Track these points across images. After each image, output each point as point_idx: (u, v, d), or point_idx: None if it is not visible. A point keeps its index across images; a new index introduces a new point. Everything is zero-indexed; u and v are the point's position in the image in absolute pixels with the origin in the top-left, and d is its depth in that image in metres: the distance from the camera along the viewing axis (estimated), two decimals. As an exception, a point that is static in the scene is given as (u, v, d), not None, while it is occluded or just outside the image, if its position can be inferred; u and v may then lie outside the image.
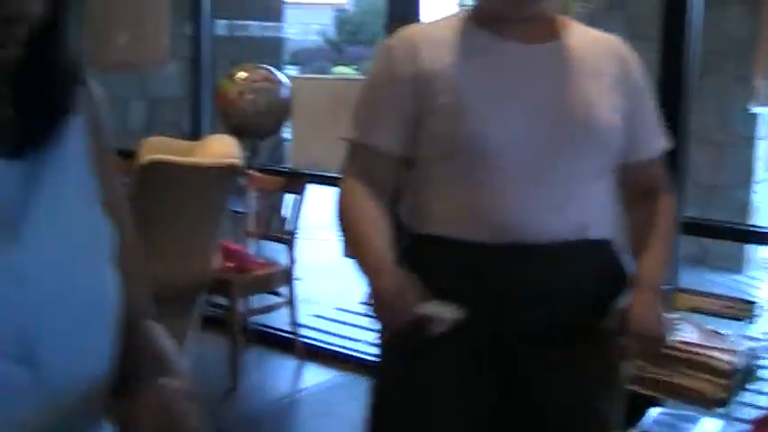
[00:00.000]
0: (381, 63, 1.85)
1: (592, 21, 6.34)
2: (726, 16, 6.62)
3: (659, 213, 1.90)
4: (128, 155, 4.56)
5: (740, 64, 5.92)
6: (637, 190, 1.90)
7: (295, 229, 4.52)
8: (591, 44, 1.84)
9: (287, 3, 8.73)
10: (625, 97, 1.79)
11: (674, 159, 3.52)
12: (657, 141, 1.93)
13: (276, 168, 5.41)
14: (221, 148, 3.55)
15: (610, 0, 7.04)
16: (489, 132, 1.66)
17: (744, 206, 6.79)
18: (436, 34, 1.80)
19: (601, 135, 1.74)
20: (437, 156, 1.75)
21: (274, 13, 7.79)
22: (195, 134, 5.13)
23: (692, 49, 3.52)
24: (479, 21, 1.79)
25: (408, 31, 1.87)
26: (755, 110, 3.53)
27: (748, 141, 6.72)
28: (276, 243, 4.66)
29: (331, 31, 18.09)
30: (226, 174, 3.47)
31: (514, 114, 1.69)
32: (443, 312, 1.67)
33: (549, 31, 1.80)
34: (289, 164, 7.46)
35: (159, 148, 3.80)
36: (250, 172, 4.44)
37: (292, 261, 4.52)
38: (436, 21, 1.88)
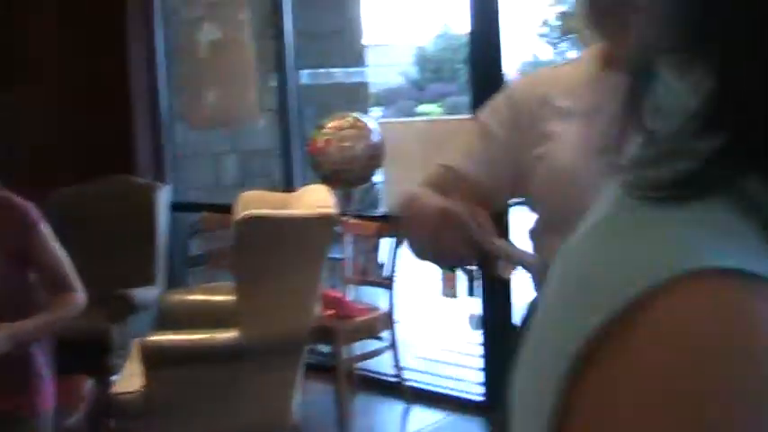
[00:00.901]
0: None
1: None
2: None
3: None
4: (224, 209, 4.66)
5: None
6: None
7: (393, 272, 4.51)
8: None
9: (367, 45, 8.82)
10: None
11: None
12: None
13: (371, 214, 5.44)
14: (316, 199, 3.58)
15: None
16: None
17: None
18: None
19: None
20: None
21: (356, 57, 7.87)
22: (288, 184, 5.20)
23: None
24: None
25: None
26: None
27: None
28: (375, 287, 4.66)
29: (413, 70, 18.22)
30: (322, 224, 3.50)
31: None
32: (520, 254, 1.53)
33: None
34: (383, 208, 7.49)
35: (255, 203, 3.86)
36: (345, 219, 4.46)
37: (392, 305, 4.52)
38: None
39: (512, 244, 1.57)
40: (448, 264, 1.64)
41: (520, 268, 1.53)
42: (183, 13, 5.85)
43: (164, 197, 5.25)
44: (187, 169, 6.91)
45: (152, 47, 5.95)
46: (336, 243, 4.53)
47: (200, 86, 5.55)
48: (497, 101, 1.67)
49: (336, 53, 7.58)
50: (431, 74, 16.64)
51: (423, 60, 17.88)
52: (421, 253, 1.58)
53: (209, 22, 5.59)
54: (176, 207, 5.89)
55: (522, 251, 1.54)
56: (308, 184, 4.98)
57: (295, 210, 3.61)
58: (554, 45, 17.50)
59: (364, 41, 8.32)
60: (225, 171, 7.27)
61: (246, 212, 3.41)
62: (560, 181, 1.49)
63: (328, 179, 4.62)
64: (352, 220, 4.64)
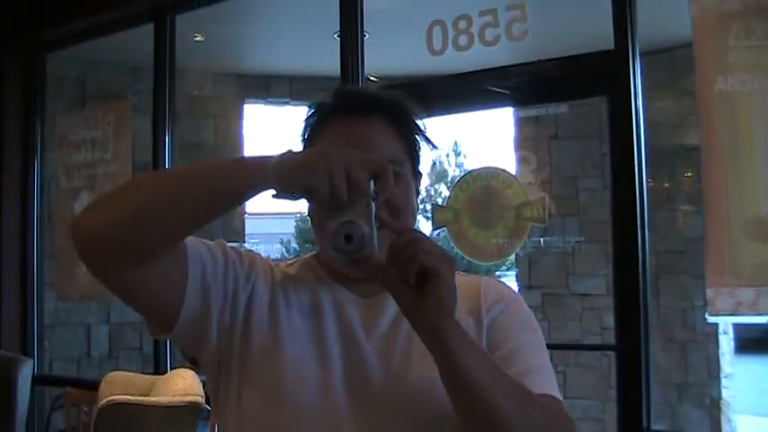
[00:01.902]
0: None
1: (546, 229, 6.49)
2: (674, 217, 6.85)
3: None
4: (90, 385, 4.52)
5: (696, 262, 6.07)
6: None
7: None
8: None
9: (249, 214, 8.88)
10: None
11: (637, 360, 3.60)
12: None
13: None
14: (183, 385, 3.51)
15: (563, 207, 7.26)
16: None
17: (715, 402, 6.77)
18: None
19: None
20: None
21: (235, 230, 7.92)
22: (158, 358, 5.08)
23: (645, 248, 3.62)
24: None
25: None
26: (711, 320, 3.57)
27: (711, 337, 6.78)
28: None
29: (294, 241, 18.37)
30: (187, 411, 3.42)
31: None
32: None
33: None
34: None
35: (120, 385, 3.76)
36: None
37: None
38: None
39: None
40: None
41: None
42: (62, 183, 5.81)
43: (26, 371, 5.06)
44: (57, 339, 6.71)
45: (26, 215, 5.87)
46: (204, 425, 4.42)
47: (74, 258, 5.45)
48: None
49: (216, 226, 7.62)
50: (311, 245, 16.80)
51: (303, 232, 18.06)
52: None
53: (88, 193, 5.56)
54: (40, 380, 5.69)
55: None
56: (177, 358, 4.90)
57: (161, 396, 3.52)
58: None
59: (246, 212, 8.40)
60: (96, 342, 7.09)
61: (110, 398, 3.31)
62: None
63: (192, 360, 4.53)
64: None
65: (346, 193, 1.20)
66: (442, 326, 1.21)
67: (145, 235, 1.23)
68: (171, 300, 1.32)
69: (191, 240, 1.34)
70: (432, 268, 1.19)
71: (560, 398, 1.36)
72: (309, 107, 1.48)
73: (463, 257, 4.20)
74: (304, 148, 1.45)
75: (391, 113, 1.44)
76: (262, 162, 1.22)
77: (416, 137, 1.47)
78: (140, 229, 1.22)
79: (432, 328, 1.21)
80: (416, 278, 1.20)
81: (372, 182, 1.23)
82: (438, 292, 1.20)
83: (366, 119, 1.41)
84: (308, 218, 1.45)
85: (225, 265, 1.39)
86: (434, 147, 1.50)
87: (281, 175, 1.20)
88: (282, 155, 1.23)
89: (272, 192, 1.23)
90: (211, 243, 1.41)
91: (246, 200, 1.27)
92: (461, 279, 1.28)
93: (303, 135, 1.46)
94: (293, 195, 1.24)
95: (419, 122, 1.48)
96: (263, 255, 1.52)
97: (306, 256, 1.55)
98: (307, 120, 1.48)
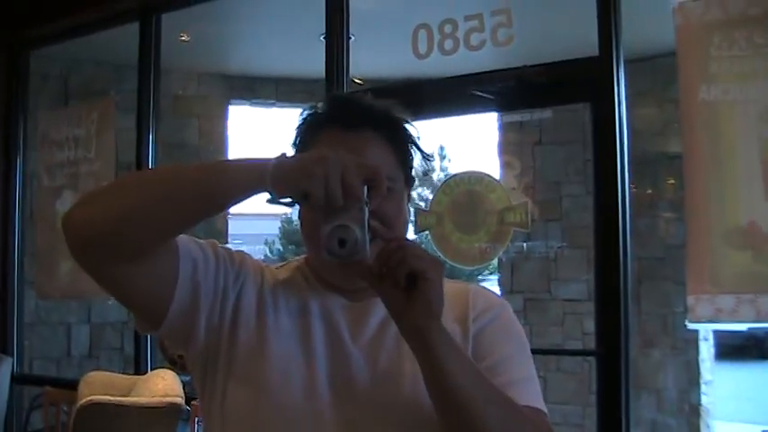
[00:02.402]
0: None
1: (529, 234, 6.49)
2: (656, 223, 6.89)
3: None
4: (69, 385, 4.50)
5: (677, 269, 6.10)
6: None
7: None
8: None
9: (232, 215, 8.84)
10: None
11: (618, 366, 3.61)
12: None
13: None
14: (162, 386, 3.50)
15: (546, 212, 7.29)
16: None
17: (695, 408, 6.80)
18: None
19: None
20: None
21: (218, 231, 7.89)
22: (138, 358, 5.05)
23: (627, 254, 3.64)
24: None
25: None
26: (691, 326, 3.59)
27: (692, 344, 6.81)
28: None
29: (278, 242, 18.33)
30: (167, 412, 3.41)
31: None
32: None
33: None
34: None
35: (100, 385, 3.74)
36: (194, 403, 4.35)
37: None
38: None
39: None
40: None
41: None
42: (44, 181, 5.78)
43: (5, 369, 5.03)
44: (37, 338, 6.68)
45: (7, 213, 5.84)
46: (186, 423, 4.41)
47: (54, 256, 5.42)
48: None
49: (198, 227, 7.58)
50: (296, 247, 16.76)
51: (288, 233, 18.03)
52: None
53: (70, 192, 5.53)
54: (19, 379, 5.66)
55: None
56: (158, 359, 4.88)
57: (141, 396, 3.51)
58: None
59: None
60: (76, 342, 7.06)
61: (89, 398, 3.30)
62: None
63: (173, 361, 4.52)
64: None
65: (342, 198, 1.21)
66: (429, 329, 1.22)
67: (136, 233, 1.23)
68: (161, 296, 1.33)
69: (182, 238, 1.34)
70: (421, 271, 1.21)
71: (545, 410, 1.37)
72: (302, 113, 1.48)
73: (446, 261, 4.20)
74: (295, 153, 1.44)
75: (385, 127, 1.44)
76: (259, 165, 1.23)
77: (410, 147, 1.48)
78: (132, 228, 1.23)
79: (418, 331, 1.23)
80: (406, 281, 1.22)
81: (366, 187, 1.24)
82: (426, 295, 1.22)
83: (360, 132, 1.42)
84: (299, 221, 1.45)
85: (216, 263, 1.39)
86: (429, 159, 1.51)
87: (279, 178, 1.21)
88: (279, 159, 1.24)
89: (267, 196, 1.23)
90: (203, 242, 1.41)
91: (240, 202, 1.27)
92: (448, 286, 1.29)
93: (295, 141, 1.46)
94: (287, 200, 1.24)
95: (413, 131, 1.49)
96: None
97: (296, 259, 1.56)
98: (299, 126, 1.47)
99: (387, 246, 1.25)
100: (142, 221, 1.23)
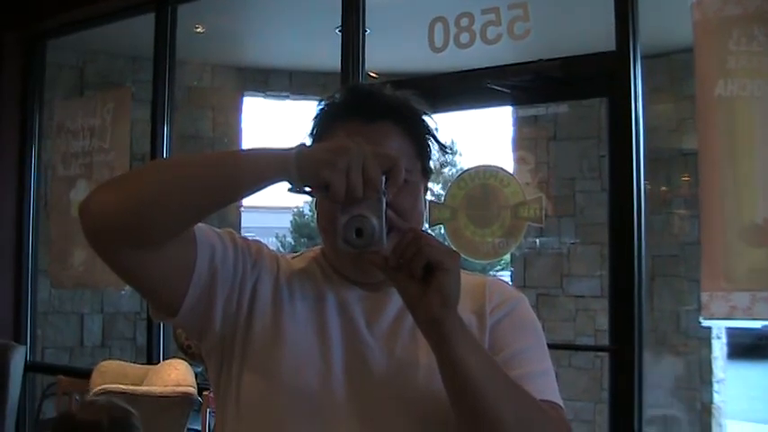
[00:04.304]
0: None
1: (542, 229, 6.48)
2: (670, 220, 6.86)
3: None
4: (82, 374, 4.52)
5: (691, 266, 6.07)
6: None
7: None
8: None
9: (245, 208, 8.86)
10: None
11: (630, 363, 3.60)
12: None
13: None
14: (175, 376, 3.51)
15: (560, 208, 7.27)
16: None
17: (707, 406, 6.78)
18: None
19: None
20: None
21: (231, 223, 7.91)
22: (150, 349, 5.07)
23: (641, 251, 3.63)
24: None
25: None
26: (705, 323, 3.58)
27: (704, 342, 6.78)
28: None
29: (290, 235, 18.33)
30: (179, 402, 3.41)
31: None
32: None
33: None
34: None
35: (113, 374, 3.75)
36: (206, 393, 4.37)
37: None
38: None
39: None
40: None
41: None
42: (59, 170, 5.80)
43: (18, 358, 5.05)
44: (50, 327, 6.71)
45: (22, 202, 5.86)
46: (196, 416, 4.42)
47: (68, 246, 5.44)
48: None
49: (212, 219, 7.60)
50: (307, 240, 16.78)
51: (299, 226, 18.04)
52: None
53: (85, 181, 5.54)
54: (32, 368, 5.69)
55: None
56: (171, 348, 4.89)
57: (153, 386, 3.52)
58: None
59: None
60: (89, 331, 7.09)
61: (101, 387, 3.31)
62: None
63: (185, 350, 4.53)
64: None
65: (362, 189, 1.21)
66: (444, 320, 1.21)
67: (155, 220, 1.22)
68: (177, 284, 1.32)
69: (200, 226, 1.34)
70: (438, 261, 1.20)
71: (561, 404, 1.36)
72: (319, 103, 1.47)
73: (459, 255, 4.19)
74: (312, 144, 1.43)
75: (404, 118, 1.44)
76: (281, 154, 1.22)
77: (427, 139, 1.47)
78: (150, 215, 1.21)
79: (434, 321, 1.22)
80: (422, 272, 1.21)
81: (384, 177, 1.24)
82: (443, 286, 1.21)
83: (378, 124, 1.41)
84: (315, 211, 1.45)
85: (234, 252, 1.39)
86: (447, 151, 1.51)
87: (301, 168, 1.21)
88: (300, 148, 1.24)
89: (287, 185, 1.23)
90: (220, 230, 1.41)
91: (259, 191, 1.26)
92: (465, 278, 1.28)
93: (312, 131, 1.46)
94: (308, 189, 1.24)
95: (430, 123, 1.48)
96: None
97: (312, 249, 1.55)
98: (316, 117, 1.47)
99: (403, 237, 1.24)
100: (161, 209, 1.22)
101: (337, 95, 1.46)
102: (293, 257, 1.53)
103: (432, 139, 1.47)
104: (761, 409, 8.97)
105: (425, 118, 1.47)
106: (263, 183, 1.24)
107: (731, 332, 7.26)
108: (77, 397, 4.37)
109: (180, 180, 1.24)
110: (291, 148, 1.23)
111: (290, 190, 1.23)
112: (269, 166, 1.23)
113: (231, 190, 1.26)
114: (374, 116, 1.41)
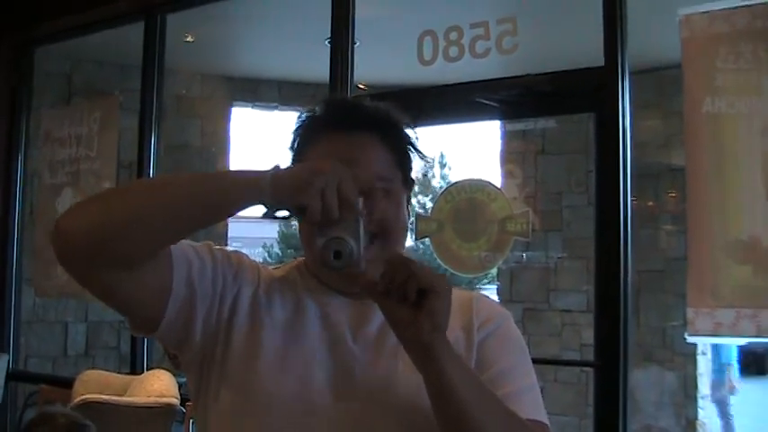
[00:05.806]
0: None
1: (529, 243, 6.48)
2: (657, 236, 6.88)
3: None
4: (64, 383, 4.48)
5: (677, 282, 6.08)
6: None
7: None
8: None
9: (231, 218, 8.82)
10: None
11: (615, 378, 3.59)
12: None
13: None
14: (158, 386, 3.49)
15: (547, 222, 7.28)
16: None
17: (691, 422, 6.79)
18: None
19: None
20: None
21: (218, 234, 7.88)
22: (134, 357, 5.04)
23: (627, 266, 3.63)
24: None
25: None
26: (691, 339, 3.58)
27: (690, 358, 6.80)
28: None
29: (277, 246, 18.31)
30: (162, 413, 3.39)
31: None
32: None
33: None
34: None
35: (96, 384, 3.72)
36: (189, 404, 4.35)
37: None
38: None
39: None
40: None
41: None
42: (45, 178, 5.77)
43: (1, 366, 5.02)
44: (33, 336, 6.67)
45: (8, 210, 5.83)
46: (179, 426, 4.39)
47: (53, 254, 5.41)
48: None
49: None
50: (294, 251, 16.76)
51: (287, 237, 18.02)
52: None
53: (71, 190, 5.52)
54: (15, 376, 5.64)
55: None
56: (154, 358, 4.87)
57: (136, 396, 3.49)
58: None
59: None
60: (72, 340, 7.05)
61: (83, 397, 3.28)
62: None
63: (172, 359, 4.51)
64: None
65: (337, 211, 1.21)
66: (433, 344, 1.21)
67: (128, 244, 1.21)
68: (154, 303, 1.31)
69: (176, 243, 1.33)
70: (431, 285, 1.19)
71: (546, 421, 1.36)
72: (299, 116, 1.47)
73: (445, 269, 4.19)
74: (293, 157, 1.44)
75: (382, 128, 1.43)
76: (255, 178, 1.22)
77: (408, 148, 1.47)
78: (124, 238, 1.20)
79: (423, 345, 1.21)
80: (416, 295, 1.20)
81: (361, 199, 1.24)
82: (435, 310, 1.19)
83: (357, 134, 1.41)
84: (298, 231, 1.44)
85: (213, 266, 1.38)
86: (426, 159, 1.50)
87: (275, 191, 1.21)
88: (275, 171, 1.23)
89: (263, 209, 1.23)
90: (198, 245, 1.39)
91: (235, 214, 1.26)
92: (452, 293, 1.27)
93: (292, 145, 1.45)
94: (284, 213, 1.24)
95: (411, 133, 1.48)
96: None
97: (296, 259, 1.54)
98: (296, 130, 1.47)
99: (392, 259, 1.23)
100: (136, 231, 1.21)
101: (317, 108, 1.46)
102: (275, 268, 1.53)
103: (412, 149, 1.47)
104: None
105: (406, 129, 1.47)
106: (237, 208, 1.24)
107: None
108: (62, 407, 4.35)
109: (151, 205, 1.24)
110: (265, 172, 1.22)
111: (264, 215, 1.23)
112: (242, 191, 1.23)
113: (204, 215, 1.26)
114: (352, 126, 1.41)
